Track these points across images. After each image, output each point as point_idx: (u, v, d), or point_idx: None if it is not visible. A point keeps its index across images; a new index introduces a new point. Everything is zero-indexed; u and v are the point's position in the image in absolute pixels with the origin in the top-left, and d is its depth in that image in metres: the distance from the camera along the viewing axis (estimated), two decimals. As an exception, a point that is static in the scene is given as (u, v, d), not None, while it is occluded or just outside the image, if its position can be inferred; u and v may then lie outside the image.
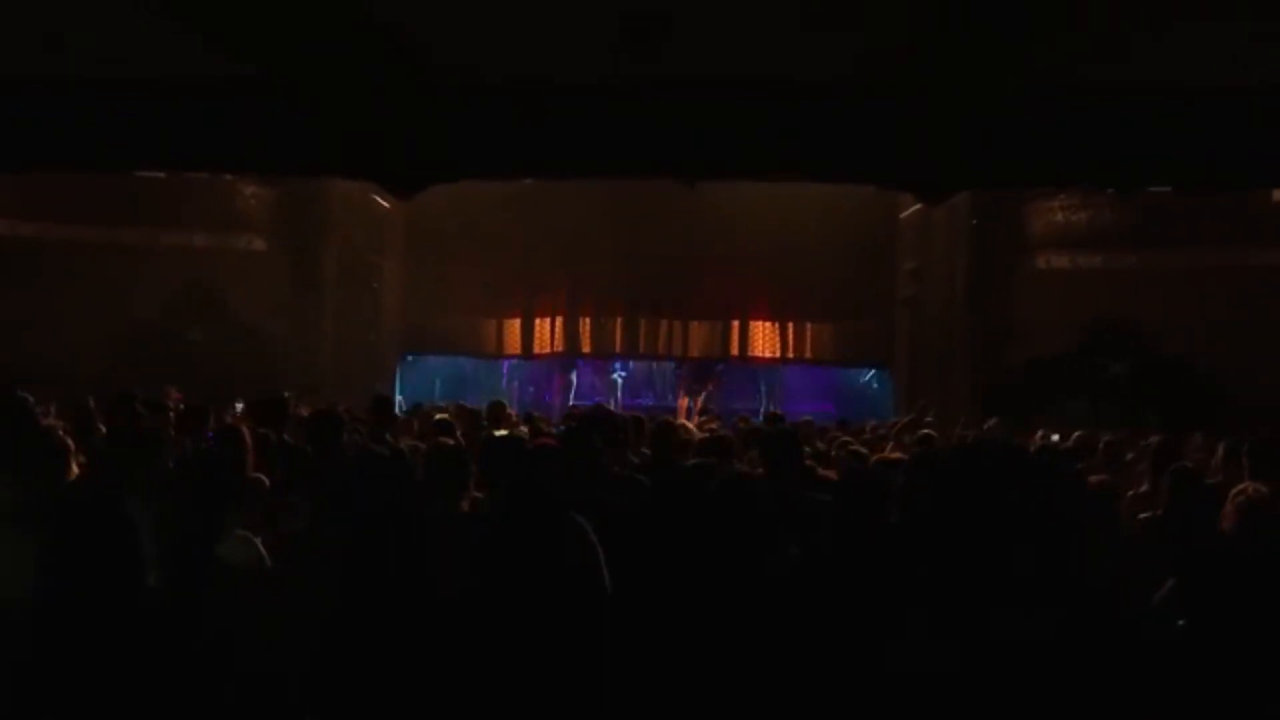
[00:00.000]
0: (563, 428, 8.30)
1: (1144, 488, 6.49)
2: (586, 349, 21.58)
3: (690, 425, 9.88)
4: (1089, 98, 9.38)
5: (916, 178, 10.11)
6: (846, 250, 19.98)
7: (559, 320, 21.51)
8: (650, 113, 9.72)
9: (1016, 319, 18.33)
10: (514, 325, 21.61)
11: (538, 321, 21.55)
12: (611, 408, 16.29)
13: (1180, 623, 4.25)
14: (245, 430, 5.70)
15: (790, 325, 21.46)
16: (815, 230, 19.61)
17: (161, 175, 15.17)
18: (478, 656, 3.41)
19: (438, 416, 9.17)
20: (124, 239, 17.93)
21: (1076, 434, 9.29)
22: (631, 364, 22.07)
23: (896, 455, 6.61)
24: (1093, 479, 6.32)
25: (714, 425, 10.28)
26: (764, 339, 21.58)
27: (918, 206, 18.33)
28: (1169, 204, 16.33)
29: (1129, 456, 8.32)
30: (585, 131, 9.82)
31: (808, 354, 21.50)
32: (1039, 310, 17.96)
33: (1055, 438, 10.38)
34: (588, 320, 21.55)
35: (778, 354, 21.56)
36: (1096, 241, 17.86)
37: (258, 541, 4.32)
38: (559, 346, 21.56)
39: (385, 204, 20.00)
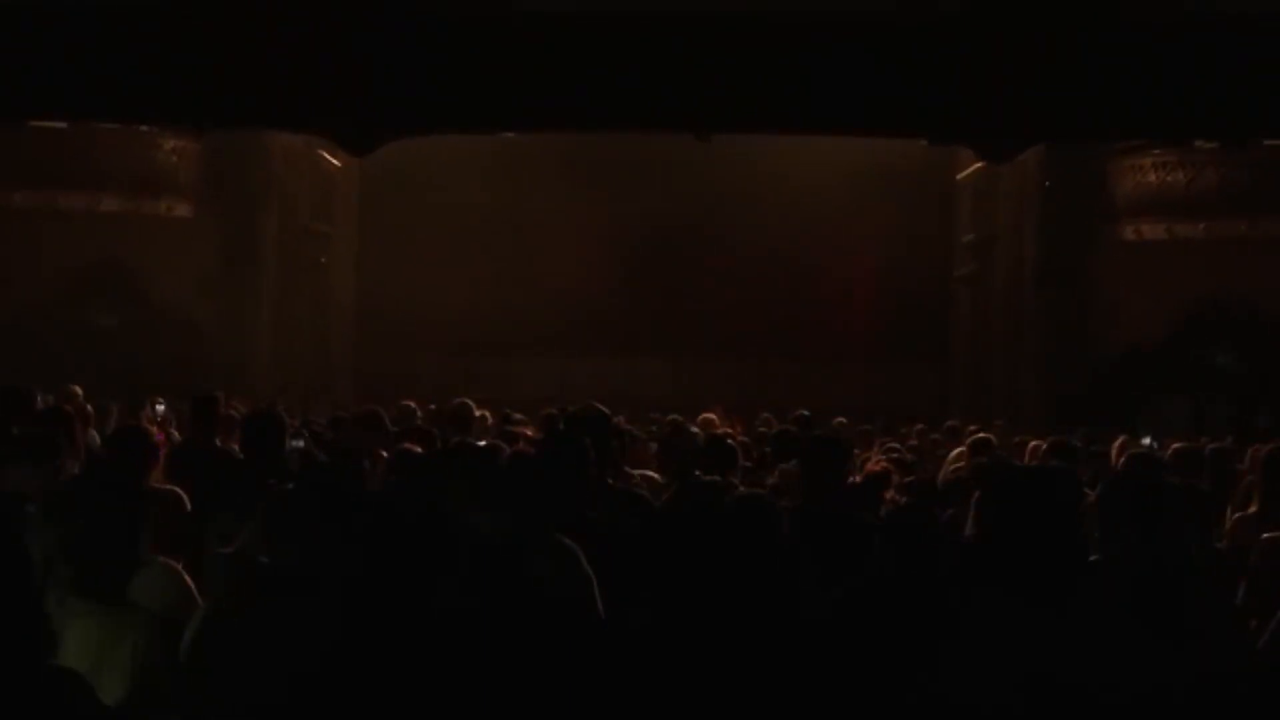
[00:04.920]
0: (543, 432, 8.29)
1: (1253, 508, 6.46)
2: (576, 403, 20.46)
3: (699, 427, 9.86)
4: (1191, 31, 9.34)
5: (977, 129, 10.07)
6: (890, 220, 19.93)
7: (544, 360, 20.52)
8: (656, 51, 9.70)
9: (1099, 301, 18.31)
10: (490, 366, 20.68)
11: (520, 362, 20.63)
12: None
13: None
14: (152, 432, 5.69)
15: (821, 369, 20.28)
16: (850, 194, 19.50)
17: (62, 125, 15.13)
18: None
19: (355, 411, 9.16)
20: (16, 202, 17.90)
21: (1175, 447, 9.21)
22: None
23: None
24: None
25: (733, 429, 10.26)
26: (788, 384, 20.60)
27: (979, 166, 18.29)
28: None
29: (1238, 467, 8.27)
30: (578, 74, 9.79)
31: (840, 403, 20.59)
32: (1127, 290, 17.94)
33: (1146, 441, 10.32)
34: (578, 361, 20.22)
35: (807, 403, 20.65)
36: (1198, 206, 17.83)
37: (182, 571, 4.28)
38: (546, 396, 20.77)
39: (336, 162, 19.99)
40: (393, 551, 3.72)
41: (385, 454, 6.50)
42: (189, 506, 5.03)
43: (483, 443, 6.63)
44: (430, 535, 3.80)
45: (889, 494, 6.63)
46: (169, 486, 5.17)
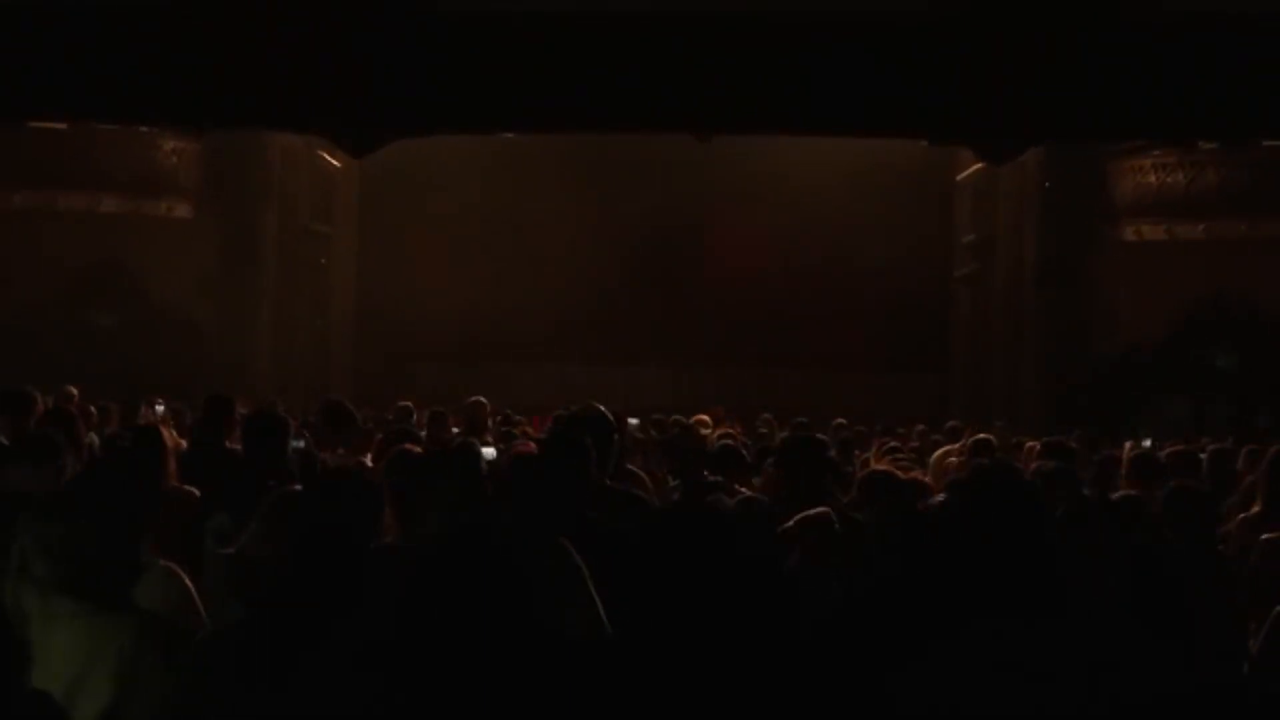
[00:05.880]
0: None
1: (1256, 509, 6.46)
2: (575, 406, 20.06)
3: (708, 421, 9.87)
4: (1191, 31, 9.33)
5: (977, 129, 10.06)
6: (890, 220, 19.89)
7: (544, 363, 20.43)
8: (656, 51, 9.69)
9: (1099, 301, 18.31)
10: (489, 367, 20.39)
11: (519, 364, 20.40)
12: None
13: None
14: (164, 432, 5.70)
15: (821, 371, 20.25)
16: (850, 194, 19.46)
17: (62, 125, 15.13)
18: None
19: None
20: (15, 203, 17.91)
21: (1168, 450, 9.20)
22: None
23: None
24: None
25: (732, 431, 10.26)
26: (788, 386, 20.43)
27: (979, 166, 18.29)
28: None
29: (1238, 468, 8.27)
30: (578, 74, 9.79)
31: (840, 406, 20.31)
32: (1127, 291, 17.94)
33: (1147, 443, 10.32)
34: (578, 365, 20.15)
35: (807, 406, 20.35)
36: (1198, 207, 17.83)
37: (183, 574, 4.28)
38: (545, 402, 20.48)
39: (335, 162, 19.99)
40: (393, 554, 3.72)
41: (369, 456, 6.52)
42: (197, 507, 5.04)
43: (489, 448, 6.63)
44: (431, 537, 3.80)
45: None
46: (185, 487, 5.18)
